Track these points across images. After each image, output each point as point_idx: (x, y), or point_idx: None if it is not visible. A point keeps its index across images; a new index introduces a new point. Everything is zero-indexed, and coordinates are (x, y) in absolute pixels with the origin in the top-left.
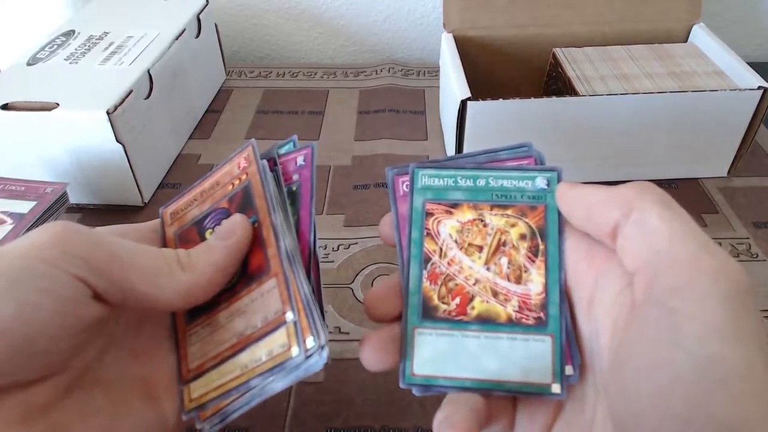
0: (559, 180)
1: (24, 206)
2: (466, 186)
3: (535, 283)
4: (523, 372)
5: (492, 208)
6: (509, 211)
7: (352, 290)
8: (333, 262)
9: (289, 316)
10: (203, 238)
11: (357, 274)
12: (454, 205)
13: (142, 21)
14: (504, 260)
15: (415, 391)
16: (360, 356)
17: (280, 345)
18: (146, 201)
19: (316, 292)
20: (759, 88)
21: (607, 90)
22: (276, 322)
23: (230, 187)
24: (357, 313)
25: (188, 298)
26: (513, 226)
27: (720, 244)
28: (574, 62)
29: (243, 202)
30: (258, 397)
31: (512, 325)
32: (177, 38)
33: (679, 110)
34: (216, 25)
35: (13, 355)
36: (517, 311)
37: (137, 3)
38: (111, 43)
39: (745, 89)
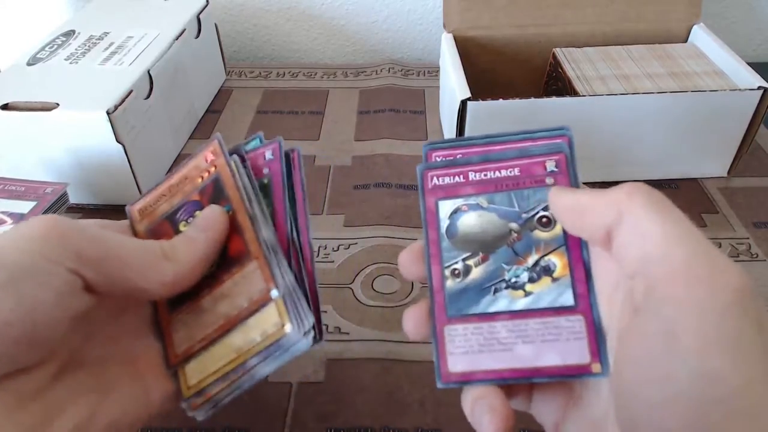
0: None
1: (24, 206)
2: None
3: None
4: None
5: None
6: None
7: (352, 290)
8: (333, 262)
9: (274, 293)
10: (177, 231)
11: (357, 275)
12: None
13: (142, 21)
14: None
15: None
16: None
17: (273, 324)
18: None
19: (300, 280)
20: (759, 88)
21: (607, 90)
22: (262, 300)
23: (199, 180)
24: (357, 313)
25: (173, 287)
26: None
27: (720, 244)
28: (574, 62)
29: (214, 193)
30: (248, 383)
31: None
32: (177, 38)
33: (679, 110)
34: (216, 25)
35: (15, 345)
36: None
37: (137, 3)
38: (111, 43)
39: (745, 89)
